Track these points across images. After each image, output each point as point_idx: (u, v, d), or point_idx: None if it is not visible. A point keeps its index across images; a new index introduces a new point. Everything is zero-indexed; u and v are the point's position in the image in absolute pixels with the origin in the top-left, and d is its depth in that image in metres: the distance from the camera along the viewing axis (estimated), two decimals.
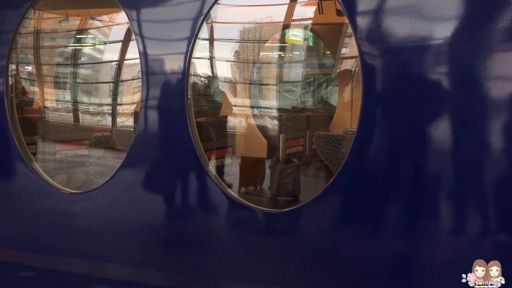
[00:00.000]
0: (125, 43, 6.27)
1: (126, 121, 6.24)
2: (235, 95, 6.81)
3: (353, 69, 6.77)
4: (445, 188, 2.80)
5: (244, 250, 3.52)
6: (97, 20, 7.01)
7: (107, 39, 7.28)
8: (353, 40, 3.03)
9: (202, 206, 3.68)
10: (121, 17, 6.01)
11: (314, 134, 4.92)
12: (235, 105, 6.51)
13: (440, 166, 2.79)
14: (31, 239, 4.42)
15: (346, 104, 6.46)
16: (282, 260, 3.33)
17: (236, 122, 6.28)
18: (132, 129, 5.16)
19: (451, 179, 2.80)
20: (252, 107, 6.66)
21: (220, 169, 5.30)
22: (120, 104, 6.71)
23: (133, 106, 5.93)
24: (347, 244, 3.09)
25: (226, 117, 6.11)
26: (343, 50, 6.98)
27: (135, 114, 5.34)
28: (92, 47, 7.44)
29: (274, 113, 6.83)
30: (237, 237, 3.56)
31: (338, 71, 7.26)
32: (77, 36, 7.13)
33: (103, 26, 7.15)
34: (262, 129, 6.24)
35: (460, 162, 2.76)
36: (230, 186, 4.04)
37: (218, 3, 3.52)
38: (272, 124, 6.48)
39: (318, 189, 3.42)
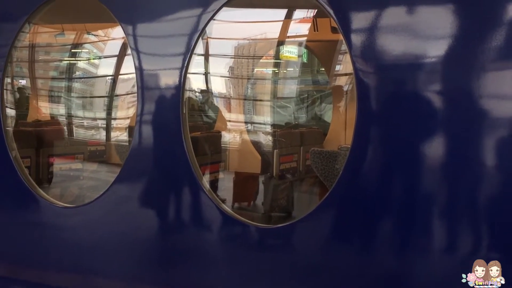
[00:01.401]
0: (121, 57, 6.28)
1: (122, 136, 6.23)
2: (229, 111, 6.82)
3: (347, 86, 6.80)
4: (439, 205, 2.82)
5: (237, 265, 3.51)
6: (93, 34, 7.03)
7: (103, 53, 7.29)
8: (347, 57, 3.05)
9: (196, 220, 3.68)
10: (117, 32, 6.03)
11: (308, 150, 4.94)
12: (229, 121, 6.53)
13: (434, 182, 2.81)
14: (24, 253, 4.38)
15: (340, 121, 6.49)
16: (275, 275, 3.32)
17: (231, 137, 6.28)
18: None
19: (445, 196, 2.82)
20: (246, 122, 6.67)
21: (214, 184, 5.30)
22: (115, 119, 6.71)
23: (128, 121, 5.93)
24: (341, 260, 3.10)
25: (220, 132, 6.12)
26: (337, 67, 7.02)
27: (130, 129, 5.33)
28: (87, 62, 7.46)
29: (268, 128, 6.84)
30: (230, 252, 3.56)
31: (332, 87, 7.29)
32: (73, 51, 7.14)
33: (99, 41, 7.17)
34: (256, 145, 6.24)
35: (454, 179, 2.78)
36: (224, 201, 4.03)
37: (214, 19, 3.54)
38: (266, 140, 6.49)
39: (312, 205, 3.41)
